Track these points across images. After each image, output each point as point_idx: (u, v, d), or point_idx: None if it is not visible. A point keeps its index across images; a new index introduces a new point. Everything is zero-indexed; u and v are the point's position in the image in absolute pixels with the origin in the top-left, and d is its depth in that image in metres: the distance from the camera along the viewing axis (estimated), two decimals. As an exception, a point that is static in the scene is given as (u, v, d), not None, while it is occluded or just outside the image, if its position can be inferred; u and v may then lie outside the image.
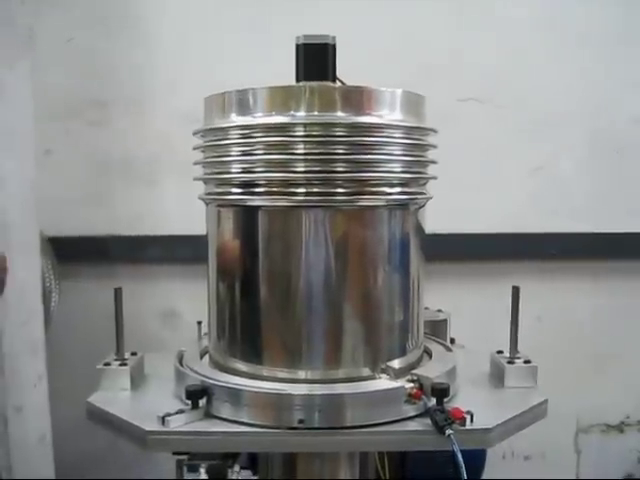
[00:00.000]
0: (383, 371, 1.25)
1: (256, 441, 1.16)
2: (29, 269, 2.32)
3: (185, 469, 2.20)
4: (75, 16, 2.87)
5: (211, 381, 1.21)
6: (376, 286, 1.26)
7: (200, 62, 2.89)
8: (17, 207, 2.26)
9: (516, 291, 1.39)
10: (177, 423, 1.14)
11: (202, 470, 2.14)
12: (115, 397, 1.31)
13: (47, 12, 2.69)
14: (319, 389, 1.19)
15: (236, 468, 2.08)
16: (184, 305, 2.94)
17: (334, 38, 1.34)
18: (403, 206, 1.29)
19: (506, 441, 3.21)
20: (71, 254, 2.77)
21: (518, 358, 1.41)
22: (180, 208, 2.84)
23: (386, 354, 1.28)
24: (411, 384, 1.20)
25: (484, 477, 2.14)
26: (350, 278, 1.25)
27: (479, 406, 1.21)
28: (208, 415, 1.20)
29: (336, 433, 1.16)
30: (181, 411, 1.16)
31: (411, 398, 1.19)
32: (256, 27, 2.84)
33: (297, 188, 1.21)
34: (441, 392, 1.18)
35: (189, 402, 1.19)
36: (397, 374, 1.24)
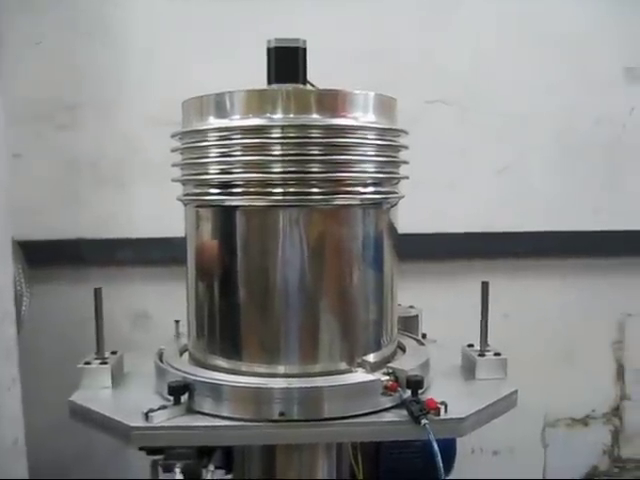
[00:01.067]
0: (359, 365, 1.29)
1: (238, 434, 1.20)
2: (1, 273, 2.31)
3: (160, 469, 2.22)
4: (44, 19, 2.87)
5: (192, 377, 1.24)
6: (351, 283, 1.30)
7: (169, 64, 2.90)
8: (-11, 211, 2.26)
9: (485, 286, 1.44)
10: (160, 418, 1.18)
11: (177, 470, 2.17)
12: (97, 395, 1.33)
13: (15, 15, 2.69)
14: (297, 383, 1.22)
15: (211, 467, 2.10)
16: (156, 307, 2.96)
17: (305, 42, 1.38)
18: (376, 205, 1.33)
19: (475, 436, 3.28)
20: (42, 258, 2.76)
21: (488, 351, 1.46)
22: (151, 211, 2.88)
23: (362, 349, 1.32)
24: (387, 377, 1.24)
25: (455, 472, 2.20)
26: (326, 275, 1.29)
27: (452, 397, 1.26)
28: (190, 410, 1.23)
29: (315, 425, 1.19)
30: (164, 407, 1.19)
31: (387, 390, 1.23)
32: (224, 27, 2.87)
33: (274, 188, 1.24)
34: (416, 384, 1.23)
35: (171, 398, 1.21)
36: (373, 368, 1.28)
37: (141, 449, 2.11)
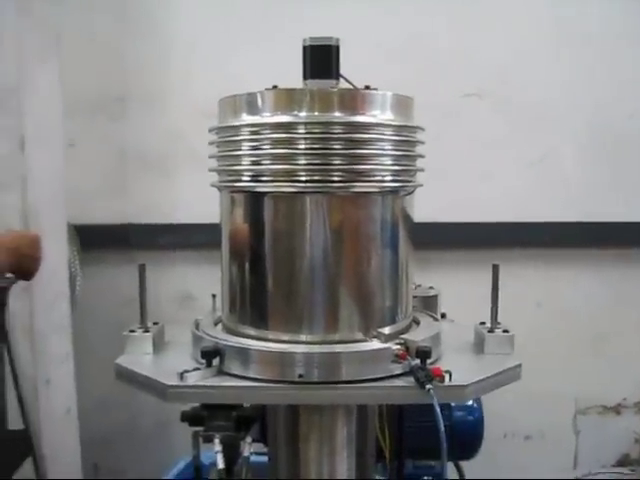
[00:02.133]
0: (375, 336, 1.41)
1: (262, 394, 1.34)
2: (57, 254, 2.50)
3: (201, 440, 2.35)
4: (96, 16, 3.05)
5: (223, 342, 1.39)
6: (369, 262, 1.43)
7: (212, 58, 3.06)
8: (47, 196, 2.45)
9: (496, 269, 1.55)
10: (193, 379, 1.32)
11: (216, 441, 2.29)
12: (139, 359, 1.50)
13: (70, 12, 2.84)
14: (317, 348, 1.36)
15: (248, 439, 2.23)
16: (199, 289, 3.10)
17: (338, 40, 1.50)
18: (393, 192, 1.45)
19: (507, 421, 3.38)
20: (93, 241, 2.95)
21: (498, 328, 1.57)
22: (193, 198, 3.03)
23: (377, 321, 1.44)
24: (398, 346, 1.36)
25: (487, 455, 2.27)
26: (346, 255, 1.42)
27: (459, 367, 1.38)
28: (221, 372, 1.38)
29: (332, 387, 1.33)
30: (197, 369, 1.34)
31: (397, 358, 1.35)
32: (265, 22, 3.01)
33: (299, 177, 1.38)
34: (424, 353, 1.35)
35: (204, 361, 1.36)
36: (387, 339, 1.41)
37: (183, 420, 2.25)
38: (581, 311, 3.23)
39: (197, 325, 1.54)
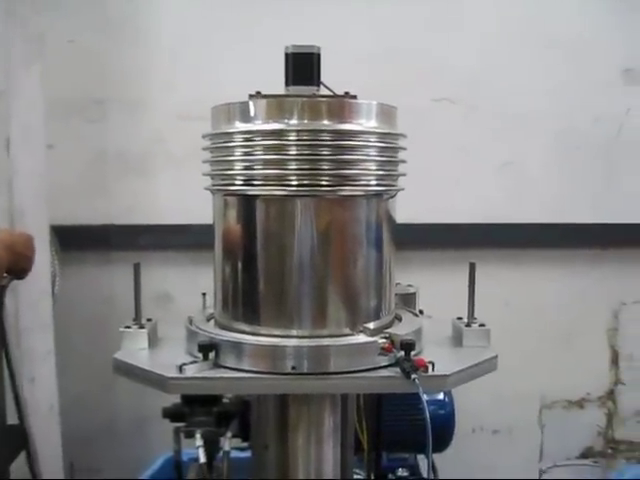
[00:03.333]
0: (361, 331, 1.50)
1: (255, 384, 1.43)
2: (40, 253, 2.52)
3: (182, 435, 2.40)
4: (76, 18, 3.07)
5: (218, 337, 1.48)
6: (355, 261, 1.53)
7: (192, 63, 3.10)
8: (30, 197, 2.49)
9: (472, 267, 1.65)
10: (192, 371, 1.41)
11: (198, 436, 2.34)
12: (136, 354, 1.57)
13: (50, 15, 2.84)
14: (307, 342, 1.45)
15: (228, 434, 2.28)
16: (177, 289, 3.16)
17: (319, 48, 1.59)
18: (377, 196, 1.55)
19: (476, 416, 3.48)
20: (73, 242, 2.98)
21: (474, 322, 1.67)
22: (172, 199, 3.09)
23: (363, 317, 1.54)
24: (384, 340, 1.45)
25: (456, 449, 2.37)
26: (333, 254, 1.52)
27: (441, 359, 1.47)
28: (216, 365, 1.46)
29: (322, 377, 1.42)
30: (194, 361, 1.42)
31: (384, 351, 1.45)
32: (245, 29, 3.06)
33: (290, 180, 1.47)
34: (408, 346, 1.44)
35: (200, 355, 1.44)
36: (372, 333, 1.50)
37: (164, 416, 2.30)
38: (548, 310, 3.32)
39: (190, 321, 1.62)
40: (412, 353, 1.43)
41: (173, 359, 1.45)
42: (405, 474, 2.48)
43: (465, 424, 2.90)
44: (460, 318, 1.71)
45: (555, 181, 3.29)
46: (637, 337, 3.41)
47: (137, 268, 1.61)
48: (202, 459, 2.32)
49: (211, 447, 2.31)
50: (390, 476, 2.49)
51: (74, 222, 3.06)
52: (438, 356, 1.49)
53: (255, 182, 1.49)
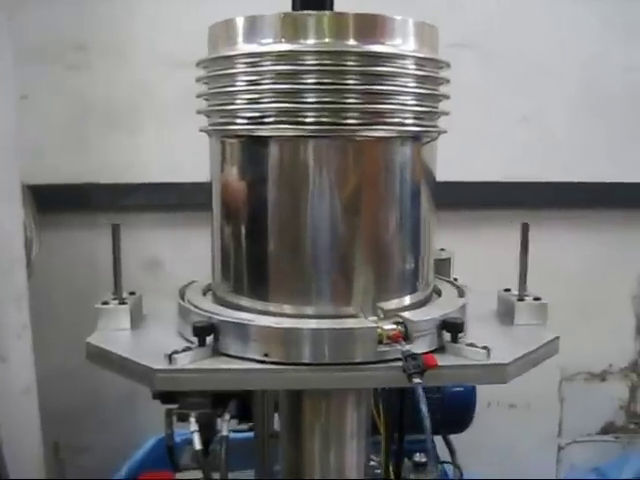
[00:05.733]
0: (390, 311, 1.20)
1: (267, 377, 1.12)
2: (11, 218, 2.28)
3: (175, 418, 2.16)
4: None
5: (218, 317, 1.16)
6: (387, 221, 1.22)
7: (181, 3, 2.80)
8: (-2, 152, 2.20)
9: (526, 227, 1.37)
10: (185, 361, 1.10)
11: (192, 419, 2.11)
12: (116, 336, 1.26)
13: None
14: (329, 324, 1.15)
15: (226, 417, 2.05)
16: (166, 253, 2.93)
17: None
18: (415, 139, 1.24)
19: (491, 389, 3.26)
20: (52, 203, 2.75)
21: (527, 295, 1.38)
22: (162, 155, 2.86)
23: (396, 292, 1.24)
24: (392, 326, 1.14)
25: (471, 425, 2.21)
26: (360, 212, 1.21)
27: (491, 342, 1.18)
28: (216, 352, 1.15)
29: (346, 369, 1.12)
30: (188, 348, 1.11)
31: (389, 340, 1.13)
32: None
33: (307, 118, 1.16)
34: (455, 326, 1.15)
35: (195, 339, 1.14)
36: (390, 315, 1.19)
37: (155, 397, 2.05)
38: (569, 275, 3.12)
39: (182, 295, 1.32)
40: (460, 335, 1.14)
41: (161, 344, 1.15)
42: (423, 460, 2.24)
43: (480, 398, 2.71)
44: (508, 290, 1.43)
45: (578, 137, 3.10)
46: (664, 305, 3.21)
47: (116, 230, 1.32)
48: (197, 446, 2.10)
49: (207, 430, 2.11)
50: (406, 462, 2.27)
51: (52, 181, 2.81)
52: (488, 338, 1.20)
53: (263, 120, 1.17)
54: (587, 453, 3.31)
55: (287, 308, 1.19)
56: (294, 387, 1.18)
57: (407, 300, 1.25)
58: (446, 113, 1.29)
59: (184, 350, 1.10)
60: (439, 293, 1.36)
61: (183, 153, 2.70)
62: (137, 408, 2.94)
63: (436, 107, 1.27)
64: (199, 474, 2.09)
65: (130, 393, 2.90)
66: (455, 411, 2.21)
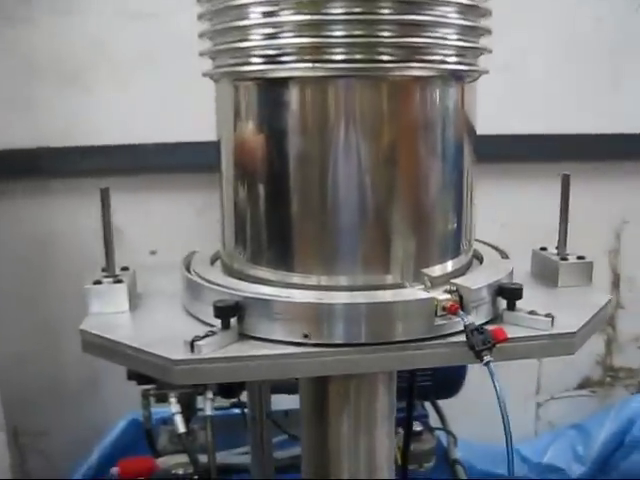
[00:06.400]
0: (437, 278, 1.04)
1: (312, 363, 0.93)
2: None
3: (153, 400, 1.99)
4: None
5: (243, 294, 0.98)
6: (429, 173, 1.05)
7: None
8: None
9: (566, 180, 1.23)
10: (210, 348, 0.91)
11: (173, 400, 1.95)
12: (115, 321, 1.05)
13: None
14: (380, 297, 0.98)
15: (209, 394, 1.91)
16: (125, 220, 2.74)
17: None
18: (457, 78, 1.07)
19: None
20: (-1, 170, 2.52)
21: (568, 254, 1.25)
22: (120, 115, 2.63)
23: (439, 256, 1.08)
24: (446, 296, 0.99)
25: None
26: (398, 163, 1.04)
27: (544, 308, 1.04)
28: (243, 336, 0.97)
29: (404, 347, 0.95)
30: (212, 333, 0.92)
31: (445, 312, 0.98)
32: None
33: (335, 54, 0.97)
34: (514, 293, 1.00)
35: (217, 322, 0.95)
36: (439, 283, 1.04)
37: (130, 378, 1.86)
38: (545, 228, 3.03)
39: (188, 266, 1.12)
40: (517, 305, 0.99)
41: (173, 328, 0.97)
42: (419, 428, 2.15)
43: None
44: (544, 249, 1.28)
45: (554, 87, 2.93)
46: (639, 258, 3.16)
47: (105, 195, 1.11)
48: (181, 428, 1.98)
49: (188, 410, 1.97)
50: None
51: None
52: (539, 304, 1.05)
53: (282, 58, 0.99)
54: (565, 409, 3.27)
55: (323, 279, 1.01)
56: (346, 372, 0.99)
57: (450, 265, 1.09)
58: (489, 50, 1.12)
59: (207, 336, 0.91)
60: (477, 256, 1.21)
61: (142, 112, 2.54)
62: (99, 390, 2.78)
63: (478, 42, 1.09)
64: (181, 458, 1.96)
65: (92, 374, 2.75)
66: (447, 377, 2.13)
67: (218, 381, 1.07)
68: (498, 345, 0.94)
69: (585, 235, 3.05)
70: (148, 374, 0.93)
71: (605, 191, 3.06)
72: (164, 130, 2.58)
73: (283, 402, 1.84)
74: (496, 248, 1.26)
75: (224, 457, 1.96)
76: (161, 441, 2.05)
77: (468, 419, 2.60)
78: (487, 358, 0.92)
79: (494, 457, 2.66)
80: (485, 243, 1.28)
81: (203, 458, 1.83)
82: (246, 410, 1.67)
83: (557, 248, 1.29)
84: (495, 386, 0.91)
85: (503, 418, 0.91)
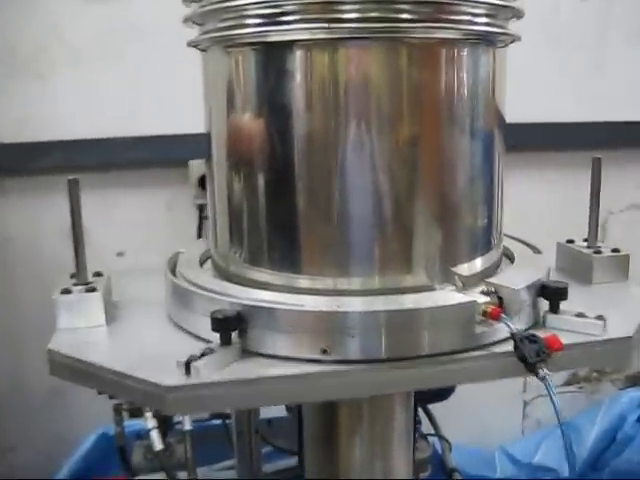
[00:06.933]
0: (469, 277, 0.89)
1: (335, 384, 0.77)
2: None
3: (126, 415, 1.89)
4: None
5: (245, 302, 0.81)
6: (456, 156, 0.90)
7: None
8: None
9: (597, 164, 1.09)
10: (210, 369, 0.74)
11: (148, 414, 1.83)
12: (90, 338, 0.87)
13: None
14: (383, 304, 0.82)
15: None
16: (89, 218, 2.58)
17: None
18: (488, 43, 0.92)
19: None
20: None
21: (603, 247, 1.11)
22: (78, 107, 2.49)
23: (469, 253, 0.93)
24: (485, 298, 0.84)
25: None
26: (419, 146, 0.88)
27: (591, 310, 0.90)
28: (247, 352, 0.80)
29: (441, 362, 0.80)
30: (210, 351, 0.75)
31: (485, 317, 0.83)
32: None
33: (344, 13, 0.82)
34: (558, 293, 0.86)
35: (215, 336, 0.78)
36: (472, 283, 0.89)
37: (101, 392, 1.74)
38: (528, 218, 2.96)
39: (173, 269, 0.96)
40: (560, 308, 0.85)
41: (160, 345, 0.80)
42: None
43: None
44: (571, 241, 1.15)
45: (537, 73, 2.86)
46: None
47: (74, 186, 0.95)
48: (158, 445, 1.84)
49: (164, 423, 1.83)
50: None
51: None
52: (580, 305, 0.91)
53: (284, 18, 0.83)
54: (551, 407, 3.23)
55: (339, 282, 0.85)
56: (376, 393, 0.83)
57: (480, 263, 0.94)
58: (521, 14, 0.97)
59: (204, 354, 0.74)
60: (507, 253, 1.06)
61: (106, 103, 2.40)
62: (65, 403, 2.64)
63: (509, 4, 0.94)
64: (158, 475, 1.82)
65: (58, 383, 2.56)
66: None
67: (221, 410, 0.89)
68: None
69: (570, 226, 2.99)
70: (139, 403, 0.76)
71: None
72: (129, 122, 2.46)
73: (264, 409, 1.71)
74: (523, 242, 1.11)
75: (205, 473, 1.85)
76: (135, 458, 1.93)
77: (443, 416, 2.52)
78: (544, 372, 0.77)
79: (481, 459, 2.56)
80: (508, 236, 1.13)
81: (182, 475, 1.71)
82: (228, 421, 1.55)
83: (586, 240, 1.14)
84: (554, 403, 0.76)
85: (565, 441, 0.76)
